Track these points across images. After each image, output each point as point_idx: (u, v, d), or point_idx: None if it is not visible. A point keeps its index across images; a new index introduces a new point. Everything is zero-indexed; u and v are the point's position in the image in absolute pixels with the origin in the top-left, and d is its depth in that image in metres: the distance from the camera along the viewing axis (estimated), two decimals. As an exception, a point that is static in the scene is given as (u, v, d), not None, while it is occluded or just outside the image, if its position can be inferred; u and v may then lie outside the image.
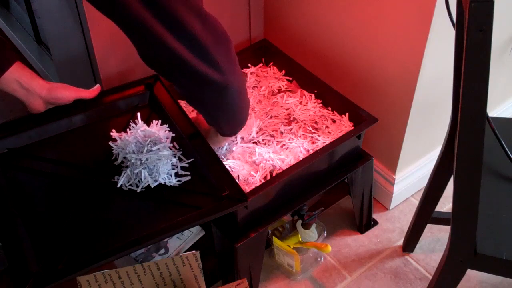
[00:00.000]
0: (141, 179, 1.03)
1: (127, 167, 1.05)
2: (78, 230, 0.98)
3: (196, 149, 1.09)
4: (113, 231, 0.98)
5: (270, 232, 1.29)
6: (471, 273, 1.30)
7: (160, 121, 1.13)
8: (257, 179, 1.15)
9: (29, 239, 0.96)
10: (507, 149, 1.01)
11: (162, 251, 1.28)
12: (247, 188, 1.12)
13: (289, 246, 1.27)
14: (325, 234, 1.33)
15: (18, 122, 1.13)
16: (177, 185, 1.05)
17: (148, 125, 1.12)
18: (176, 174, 1.06)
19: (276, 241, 1.28)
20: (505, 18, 1.31)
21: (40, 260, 0.93)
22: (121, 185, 1.03)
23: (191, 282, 1.09)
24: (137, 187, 1.03)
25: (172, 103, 1.17)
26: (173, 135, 1.11)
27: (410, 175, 1.47)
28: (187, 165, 1.08)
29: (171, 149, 1.08)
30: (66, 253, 0.94)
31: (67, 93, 1.09)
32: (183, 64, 0.92)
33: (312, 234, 1.30)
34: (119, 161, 1.07)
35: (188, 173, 1.06)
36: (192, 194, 1.04)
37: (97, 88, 1.15)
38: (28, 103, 1.07)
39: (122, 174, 1.04)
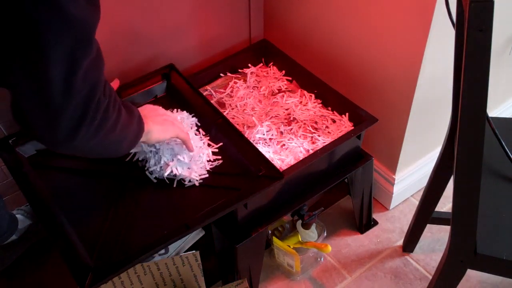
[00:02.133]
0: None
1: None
2: (122, 222, 0.99)
3: (222, 132, 1.10)
4: (157, 219, 1.00)
5: (270, 232, 1.29)
6: (471, 273, 1.31)
7: (178, 109, 1.16)
8: (257, 179, 1.15)
9: (77, 236, 0.97)
10: (507, 149, 1.01)
11: (162, 251, 1.28)
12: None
13: (289, 246, 1.27)
14: (325, 234, 1.33)
15: None
16: (211, 170, 1.06)
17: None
18: (208, 160, 1.08)
19: (276, 241, 1.28)
20: (505, 18, 1.31)
21: (93, 255, 0.94)
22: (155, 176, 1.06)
23: (191, 282, 1.09)
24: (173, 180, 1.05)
25: (190, 90, 1.19)
26: (196, 120, 1.14)
27: (410, 175, 1.47)
28: (217, 150, 1.08)
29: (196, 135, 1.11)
30: (116, 245, 0.95)
31: None
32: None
33: (312, 234, 1.30)
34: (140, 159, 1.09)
35: (219, 157, 1.08)
36: (227, 176, 1.06)
37: (115, 82, 1.15)
38: None
39: (154, 168, 1.05)
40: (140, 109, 0.99)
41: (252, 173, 1.04)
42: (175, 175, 1.04)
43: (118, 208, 1.02)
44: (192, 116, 1.16)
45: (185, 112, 1.16)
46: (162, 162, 1.04)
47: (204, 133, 1.13)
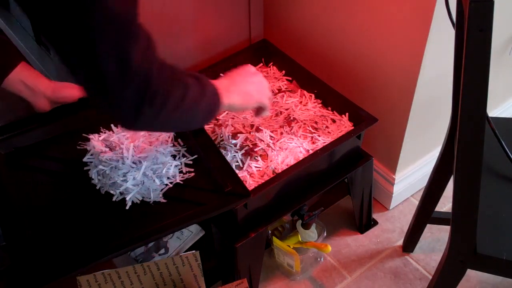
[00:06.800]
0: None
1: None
2: (83, 228, 0.99)
3: (200, 145, 1.10)
4: (118, 228, 0.99)
5: (270, 232, 1.29)
6: (471, 273, 1.30)
7: None
8: (256, 180, 1.15)
9: (33, 238, 0.96)
10: (507, 149, 1.01)
11: (162, 251, 1.28)
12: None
13: (289, 246, 1.27)
14: (325, 234, 1.33)
15: (24, 121, 1.14)
16: (181, 182, 1.05)
17: None
18: (180, 171, 1.07)
19: (276, 241, 1.28)
20: (505, 18, 1.31)
21: (43, 258, 0.93)
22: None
23: (191, 282, 1.09)
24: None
25: None
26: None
27: (410, 175, 1.47)
28: (191, 162, 1.08)
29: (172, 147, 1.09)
30: (69, 250, 0.94)
31: (72, 92, 1.10)
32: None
33: (312, 234, 1.30)
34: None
35: (192, 170, 1.07)
36: (196, 190, 1.04)
37: None
38: (33, 103, 1.07)
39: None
40: (227, 77, 1.04)
41: (220, 189, 1.02)
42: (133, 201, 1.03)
43: (82, 213, 1.01)
44: None
45: None
46: (118, 191, 1.02)
47: (182, 143, 1.12)
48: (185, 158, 1.09)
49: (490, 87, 0.76)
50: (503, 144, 1.00)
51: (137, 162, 1.05)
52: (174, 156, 1.10)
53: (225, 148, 1.21)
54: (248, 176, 1.15)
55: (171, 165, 1.06)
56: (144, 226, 0.98)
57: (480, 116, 0.79)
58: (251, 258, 1.19)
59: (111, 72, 0.73)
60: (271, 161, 1.18)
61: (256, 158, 1.19)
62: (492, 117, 1.04)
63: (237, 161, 1.18)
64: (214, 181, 1.04)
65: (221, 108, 0.96)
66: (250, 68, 1.09)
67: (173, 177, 1.06)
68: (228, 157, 1.18)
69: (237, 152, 1.20)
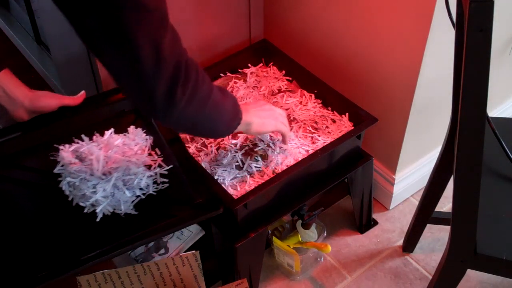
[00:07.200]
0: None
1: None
2: (51, 240, 0.97)
3: (176, 155, 1.09)
4: (86, 240, 0.97)
5: (270, 232, 1.29)
6: (471, 273, 1.30)
7: (133, 126, 1.15)
8: (256, 180, 1.15)
9: (12, 248, 0.95)
10: (507, 149, 1.01)
11: (162, 251, 1.28)
12: (247, 188, 1.12)
13: (289, 246, 1.27)
14: (325, 234, 1.33)
15: (1, 131, 1.12)
16: (155, 193, 1.04)
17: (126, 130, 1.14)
18: (155, 182, 1.05)
19: (276, 241, 1.28)
20: (505, 18, 1.31)
21: (21, 268, 0.92)
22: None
23: (191, 282, 1.09)
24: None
25: None
26: (150, 138, 1.12)
27: (410, 175, 1.47)
28: (166, 172, 1.07)
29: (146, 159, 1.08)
30: (45, 260, 0.93)
31: (50, 102, 1.09)
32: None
33: (312, 234, 1.30)
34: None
35: (167, 180, 1.06)
36: (169, 202, 1.03)
37: (81, 95, 1.14)
38: (11, 112, 1.07)
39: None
40: (245, 102, 1.08)
41: (192, 201, 1.01)
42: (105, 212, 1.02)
43: (46, 226, 0.99)
44: (146, 134, 1.14)
45: (139, 129, 1.14)
46: (88, 203, 1.01)
47: (159, 153, 1.11)
48: (160, 169, 1.07)
49: (490, 87, 0.76)
50: (503, 144, 1.00)
51: (107, 173, 1.03)
52: (149, 166, 1.08)
53: (225, 148, 1.21)
54: (248, 176, 1.16)
55: (143, 176, 1.04)
56: (112, 239, 0.96)
57: (480, 116, 0.79)
58: (251, 258, 1.19)
59: (147, 56, 0.78)
60: (271, 161, 1.18)
61: (256, 158, 1.19)
62: (492, 117, 1.04)
63: (237, 161, 1.18)
64: (187, 192, 1.03)
65: (240, 122, 1.01)
66: (260, 101, 1.19)
67: (146, 188, 1.04)
68: (228, 157, 1.19)
69: (237, 152, 1.20)
